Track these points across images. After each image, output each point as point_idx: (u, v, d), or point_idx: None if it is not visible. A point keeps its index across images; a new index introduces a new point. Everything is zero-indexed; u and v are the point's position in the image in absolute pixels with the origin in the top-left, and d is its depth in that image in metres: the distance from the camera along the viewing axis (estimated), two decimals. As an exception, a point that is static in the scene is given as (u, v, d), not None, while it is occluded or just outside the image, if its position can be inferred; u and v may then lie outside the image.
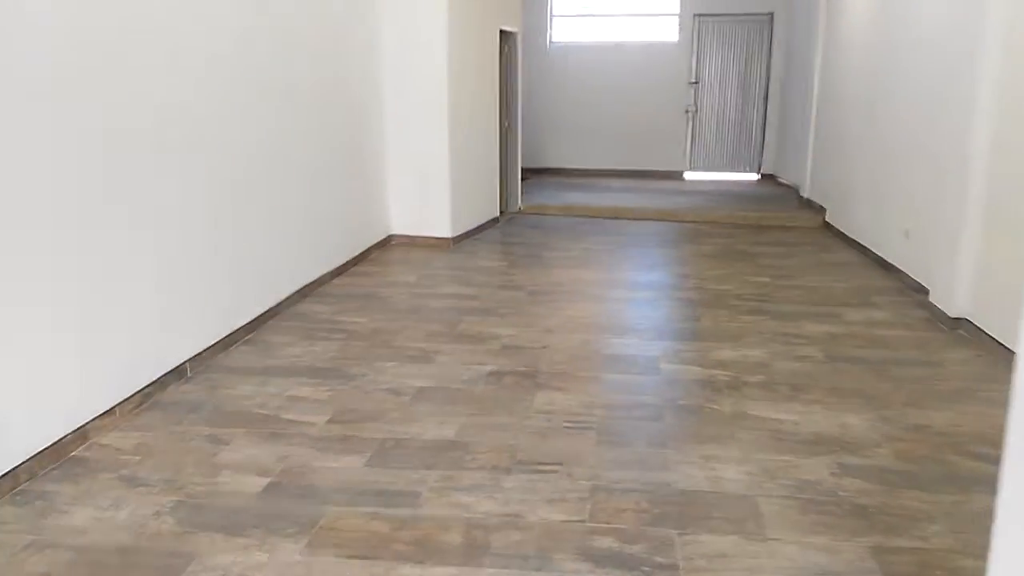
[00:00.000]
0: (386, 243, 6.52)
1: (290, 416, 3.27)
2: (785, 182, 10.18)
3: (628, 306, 5.02)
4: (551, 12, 11.27)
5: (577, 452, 2.96)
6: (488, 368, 3.81)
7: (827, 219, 7.57)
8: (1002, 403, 3.42)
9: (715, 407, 3.38)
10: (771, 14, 10.70)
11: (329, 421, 3.23)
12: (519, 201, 8.50)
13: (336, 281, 5.43)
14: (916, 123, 5.32)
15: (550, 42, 11.31)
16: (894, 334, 4.38)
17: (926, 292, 4.89)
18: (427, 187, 6.53)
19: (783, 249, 6.66)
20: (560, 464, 2.86)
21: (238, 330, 4.16)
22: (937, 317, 4.59)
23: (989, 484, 2.84)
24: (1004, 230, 4.05)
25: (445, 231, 6.59)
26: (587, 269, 5.96)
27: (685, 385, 3.63)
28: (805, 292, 5.26)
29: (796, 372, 3.79)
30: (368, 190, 6.15)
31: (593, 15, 11.27)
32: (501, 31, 7.58)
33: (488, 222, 7.52)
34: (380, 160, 6.36)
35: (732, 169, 11.30)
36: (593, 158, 11.48)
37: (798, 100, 9.30)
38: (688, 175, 11.33)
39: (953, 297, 4.45)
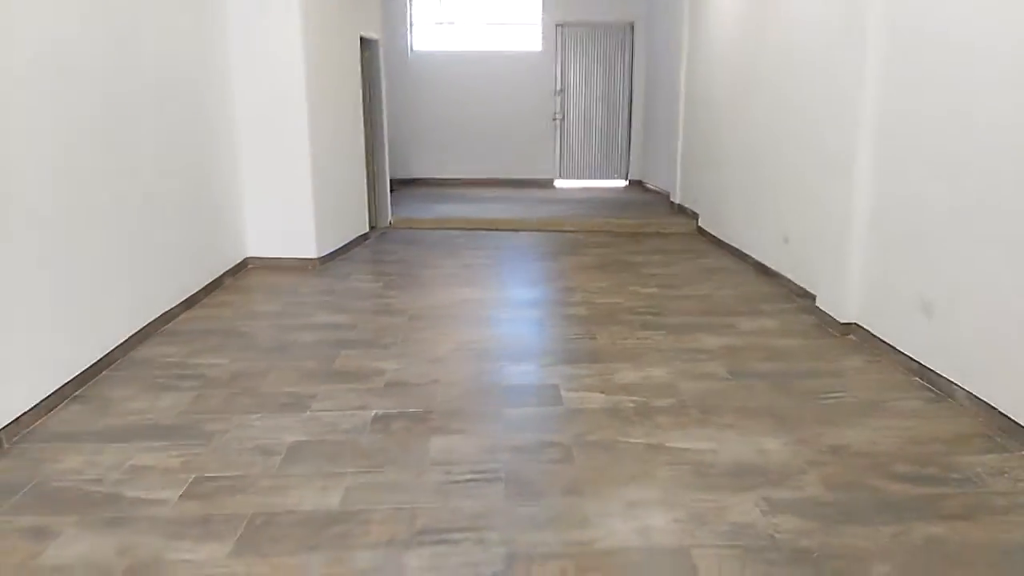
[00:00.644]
0: (242, 268, 5.86)
1: (134, 493, 2.68)
2: (653, 188, 10.27)
3: (519, 327, 4.69)
4: (410, 20, 10.84)
5: (486, 511, 2.57)
6: (373, 412, 3.35)
7: (700, 224, 7.60)
8: (909, 415, 3.35)
9: (628, 440, 3.09)
10: (631, 23, 10.79)
11: (183, 496, 2.66)
12: (389, 215, 8.02)
13: (187, 315, 4.76)
14: (793, 125, 5.33)
15: (411, 50, 10.88)
16: (789, 343, 4.30)
17: (812, 297, 4.88)
18: (288, 203, 5.94)
19: (663, 257, 6.58)
20: (469, 529, 2.46)
21: (67, 385, 3.47)
22: (827, 323, 4.56)
23: (920, 510, 2.74)
24: (890, 231, 4.04)
25: (310, 251, 6.02)
26: (469, 287, 5.59)
27: (592, 416, 3.32)
28: (695, 302, 5.13)
29: (703, 392, 3.58)
30: (219, 210, 5.49)
31: (454, 23, 10.94)
32: (362, 38, 7.09)
33: (357, 239, 6.99)
34: (232, 176, 5.70)
35: (601, 176, 11.31)
36: (463, 168, 11.16)
37: (664, 106, 9.37)
38: (558, 183, 11.23)
39: (841, 302, 4.42)
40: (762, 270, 5.84)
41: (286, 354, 4.11)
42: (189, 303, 4.89)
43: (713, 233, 7.16)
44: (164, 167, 4.60)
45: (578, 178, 11.28)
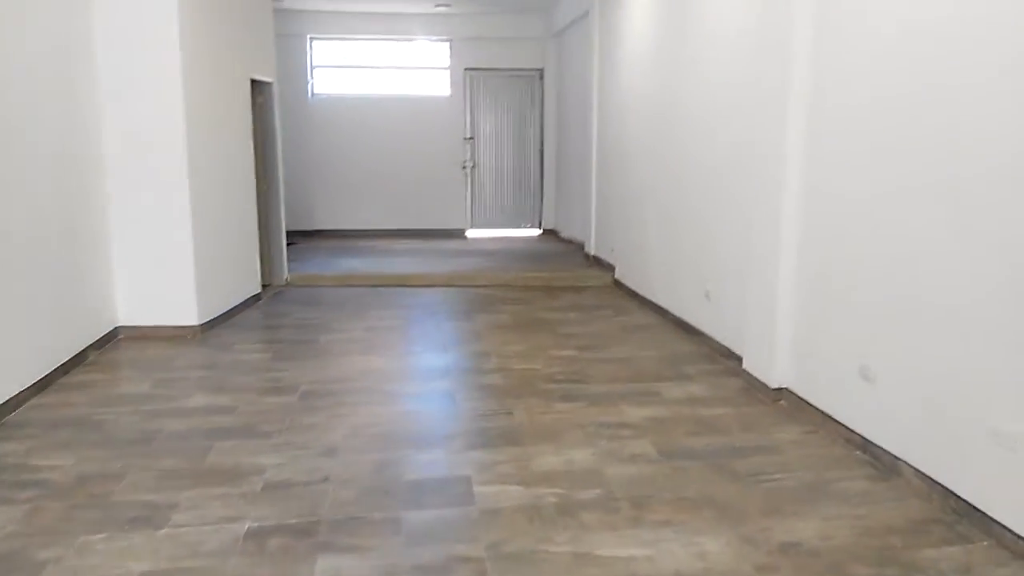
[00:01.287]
0: (111, 339, 5.16)
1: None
2: (568, 237, 10.02)
3: (427, 404, 4.20)
4: (311, 62, 10.37)
5: (380, 666, 2.06)
6: (246, 525, 2.78)
7: (617, 277, 7.33)
8: (857, 499, 3.02)
9: (551, 549, 2.64)
10: (541, 70, 10.64)
11: (-20, 670, 2.04)
12: (285, 272, 7.41)
13: (37, 401, 4.06)
14: (713, 177, 5.11)
15: (311, 94, 10.38)
16: (719, 413, 3.97)
17: (738, 358, 4.59)
18: (164, 263, 5.30)
19: (580, 314, 6.23)
20: None
21: None
22: (755, 387, 4.26)
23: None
24: (822, 289, 3.79)
25: (190, 317, 5.38)
26: (372, 355, 5.06)
27: (509, 518, 2.86)
28: (616, 366, 4.77)
29: (633, 479, 3.17)
30: (82, 273, 4.82)
31: (358, 67, 10.53)
32: (253, 81, 6.56)
33: (247, 300, 6.37)
34: (100, 233, 5.04)
35: (513, 225, 11.02)
36: (368, 218, 10.66)
37: (577, 154, 9.18)
38: (470, 233, 10.86)
39: (770, 365, 4.14)
40: (684, 328, 5.56)
41: (148, 449, 3.48)
42: (41, 386, 4.19)
43: (631, 287, 6.88)
44: (18, 233, 3.93)
45: (490, 228, 10.96)
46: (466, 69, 10.52)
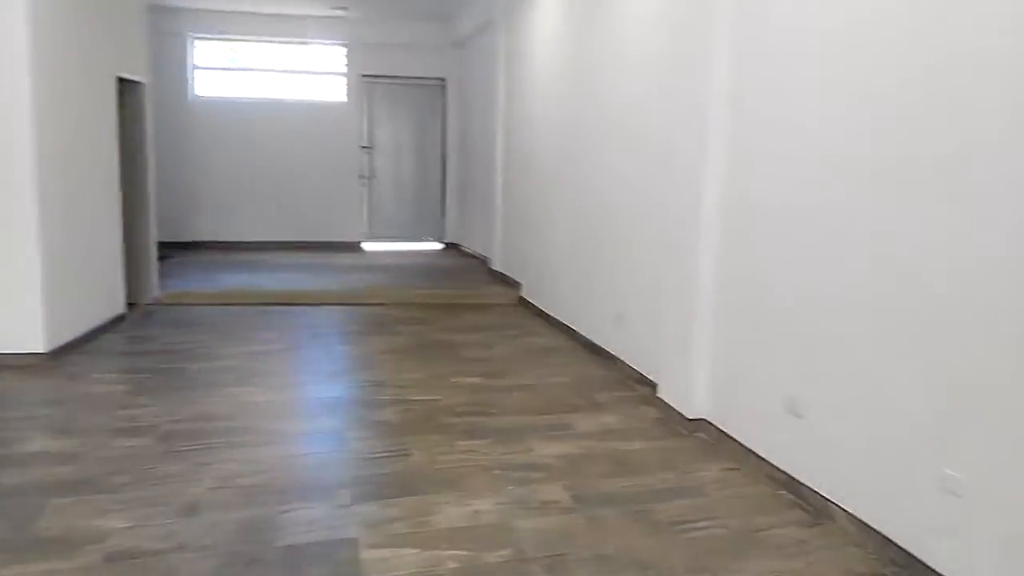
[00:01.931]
0: (-65, 370, 4.39)
1: None
2: (471, 251, 9.63)
3: (311, 446, 3.69)
4: (191, 62, 9.59)
5: None
6: (71, 618, 2.23)
7: (523, 295, 6.99)
8: (791, 549, 2.54)
9: (453, 631, 2.22)
10: (443, 79, 10.25)
11: None
12: (155, 289, 6.68)
13: None
14: (624, 191, 4.84)
15: (191, 95, 9.60)
16: (635, 448, 3.65)
17: (652, 385, 4.32)
18: (6, 283, 4.57)
19: (485, 335, 5.84)
20: None
21: None
22: (672, 418, 3.98)
23: None
24: (744, 314, 3.55)
25: (36, 343, 4.65)
26: (251, 386, 4.49)
27: (403, 592, 2.42)
28: (524, 395, 4.40)
29: (546, 534, 2.79)
30: None
31: (244, 69, 9.83)
32: (121, 80, 5.86)
33: (109, 322, 5.64)
34: (-81, 248, 4.27)
35: (414, 238, 10.55)
36: (256, 230, 9.95)
37: (481, 166, 8.82)
38: (367, 246, 10.31)
39: (687, 394, 3.87)
40: (594, 350, 5.26)
41: (-43, 515, 2.84)
42: None
43: (538, 305, 6.56)
44: None
45: (389, 241, 10.44)
46: (363, 76, 10.00)
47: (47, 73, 4.67)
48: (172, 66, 9.36)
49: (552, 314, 6.18)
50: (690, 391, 3.86)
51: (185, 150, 9.59)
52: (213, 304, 6.70)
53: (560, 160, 5.97)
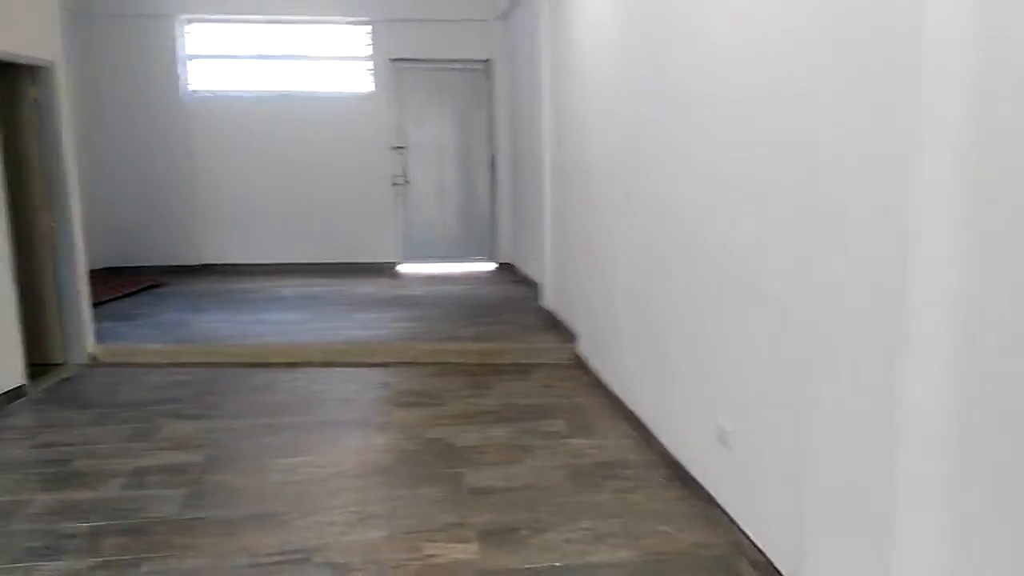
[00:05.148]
0: None
1: None
2: (526, 275, 7.64)
3: None
4: (183, 50, 7.96)
5: None
6: None
7: (580, 352, 4.98)
8: None
9: None
10: (488, 61, 8.29)
11: None
12: (90, 342, 5.01)
13: None
14: (730, 212, 2.76)
15: (185, 90, 7.98)
16: None
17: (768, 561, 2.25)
18: None
19: (512, 431, 3.85)
20: None
21: None
22: None
23: None
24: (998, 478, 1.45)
25: None
26: (68, 558, 2.65)
27: None
28: (551, 598, 2.40)
29: None
30: None
31: (249, 57, 8.15)
32: (7, 64, 4.16)
33: (-21, 409, 3.97)
34: None
35: (460, 258, 8.66)
36: (268, 250, 8.30)
37: (529, 169, 6.84)
38: (403, 268, 8.49)
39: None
40: (682, 478, 3.20)
41: None
42: None
43: (597, 372, 4.53)
44: None
45: (430, 261, 8.58)
46: (392, 60, 8.16)
47: None
48: (158, 56, 7.79)
49: (616, 392, 4.14)
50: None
51: (179, 157, 8.00)
52: (159, 364, 4.99)
53: (620, 163, 3.92)
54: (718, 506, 2.86)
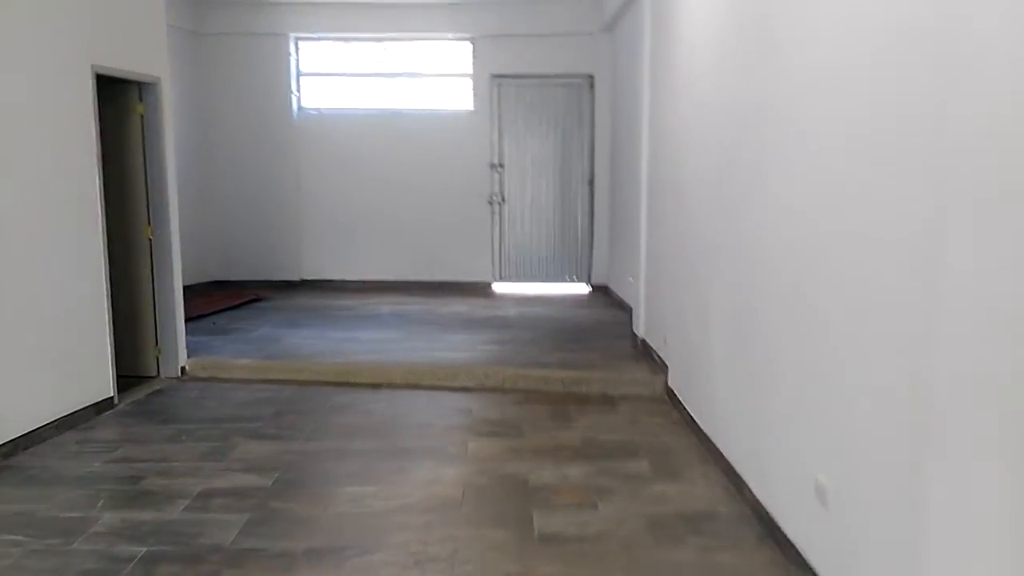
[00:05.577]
0: None
1: None
2: (621, 299, 7.35)
3: None
4: (296, 68, 8.18)
5: None
6: None
7: (671, 385, 4.65)
8: None
9: None
10: (590, 76, 8.08)
11: None
12: (182, 357, 5.11)
13: None
14: (835, 246, 2.42)
15: (297, 108, 8.19)
16: None
17: None
18: None
19: (593, 470, 3.58)
20: None
21: None
22: None
23: None
24: None
25: None
26: (148, 582, 2.60)
27: None
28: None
29: None
30: None
31: (355, 75, 8.27)
32: (101, 76, 4.29)
33: (75, 416, 4.07)
34: None
35: (555, 279, 8.46)
36: (368, 267, 8.37)
37: (627, 190, 6.57)
38: (498, 287, 8.36)
39: None
40: (775, 537, 2.84)
41: None
42: None
43: (688, 409, 4.20)
44: None
45: (524, 281, 8.42)
46: (493, 76, 8.09)
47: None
48: (271, 74, 8.03)
49: (707, 432, 3.79)
50: None
51: (287, 173, 8.20)
52: (245, 380, 5.02)
53: (715, 186, 3.59)
54: (812, 573, 2.50)
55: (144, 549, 2.77)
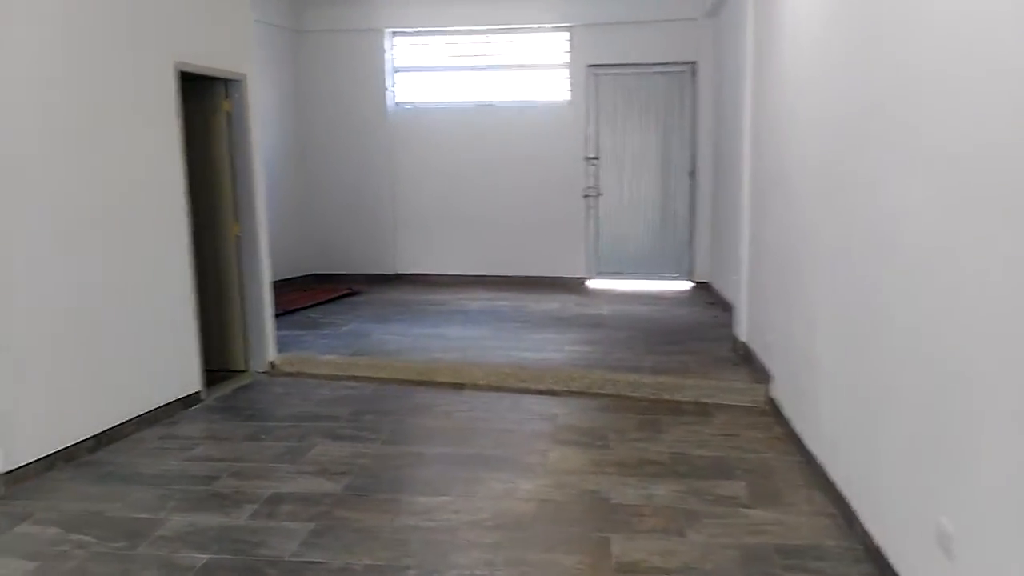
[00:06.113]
0: None
1: None
2: (724, 298, 6.92)
3: None
4: (391, 63, 8.15)
5: None
6: None
7: (773, 395, 4.25)
8: None
9: None
10: (693, 64, 7.66)
11: None
12: (270, 352, 5.12)
13: None
14: (960, 247, 2.04)
15: (392, 104, 8.17)
16: None
17: None
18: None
19: (682, 489, 3.27)
20: None
21: None
22: None
23: None
24: None
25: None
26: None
27: None
28: None
29: None
30: None
31: (450, 69, 8.17)
32: (184, 73, 4.30)
33: (162, 411, 4.13)
34: None
35: (654, 275, 8.09)
36: (462, 261, 8.27)
37: (729, 183, 6.14)
38: (593, 283, 8.09)
39: None
40: (890, 582, 2.47)
41: None
42: None
43: (792, 422, 3.81)
44: None
45: (621, 277, 8.10)
46: (590, 66, 7.79)
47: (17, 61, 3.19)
48: (368, 69, 8.03)
49: (813, 451, 3.41)
50: None
51: (382, 168, 8.20)
52: (329, 377, 4.98)
53: (823, 177, 3.19)
54: (939, 637, 2.13)
55: (206, 557, 2.70)
